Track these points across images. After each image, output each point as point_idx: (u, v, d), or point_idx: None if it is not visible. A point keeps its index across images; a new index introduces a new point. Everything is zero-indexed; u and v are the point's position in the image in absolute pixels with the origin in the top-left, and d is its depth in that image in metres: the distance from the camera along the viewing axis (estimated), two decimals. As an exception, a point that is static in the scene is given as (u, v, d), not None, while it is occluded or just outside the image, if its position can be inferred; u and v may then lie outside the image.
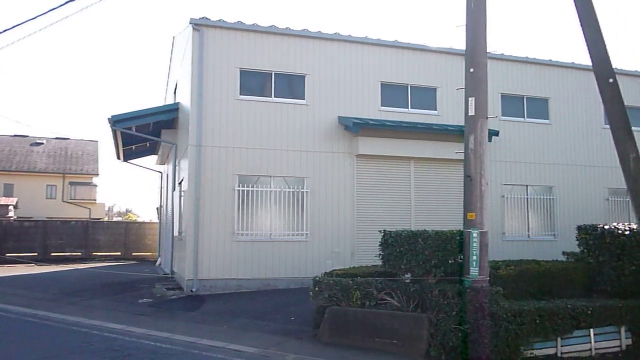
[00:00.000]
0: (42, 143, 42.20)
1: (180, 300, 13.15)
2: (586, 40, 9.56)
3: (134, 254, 27.63)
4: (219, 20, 14.52)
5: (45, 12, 10.24)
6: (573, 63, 17.94)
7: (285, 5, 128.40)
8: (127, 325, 10.05)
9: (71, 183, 39.91)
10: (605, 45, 9.44)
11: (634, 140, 9.29)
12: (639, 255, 9.19)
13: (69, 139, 44.13)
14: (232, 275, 13.88)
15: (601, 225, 9.72)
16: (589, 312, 8.01)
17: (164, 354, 7.99)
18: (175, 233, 17.28)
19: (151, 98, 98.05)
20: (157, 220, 27.43)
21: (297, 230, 14.67)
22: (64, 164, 40.62)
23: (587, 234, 9.83)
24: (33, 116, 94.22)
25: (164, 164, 23.70)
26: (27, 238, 25.82)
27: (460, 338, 7.70)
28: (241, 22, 14.70)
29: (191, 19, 14.24)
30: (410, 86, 16.20)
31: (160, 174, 25.16)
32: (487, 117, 8.41)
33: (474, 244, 7.94)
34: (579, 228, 10.05)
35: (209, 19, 14.39)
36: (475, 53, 8.48)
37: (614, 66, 9.44)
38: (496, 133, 15.67)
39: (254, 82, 14.87)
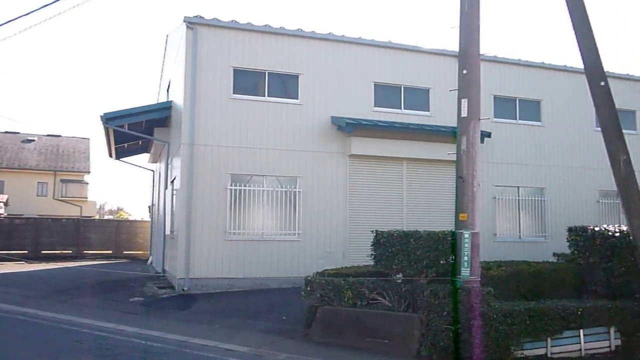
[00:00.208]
0: (34, 140, 41.95)
1: (172, 299, 13.12)
2: (578, 43, 9.62)
3: (125, 252, 27.51)
4: (213, 19, 14.50)
5: (39, 8, 10.20)
6: (565, 66, 18.05)
7: (280, 5, 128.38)
8: (118, 323, 10.02)
9: (62, 181, 39.70)
10: (597, 49, 9.50)
11: (624, 143, 9.36)
12: (628, 256, 9.26)
13: (60, 136, 43.91)
14: (224, 274, 13.87)
15: (592, 227, 9.80)
16: (579, 312, 8.06)
17: (156, 353, 7.98)
18: (167, 232, 17.23)
19: (144, 96, 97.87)
20: (149, 219, 27.33)
21: (290, 229, 14.68)
22: (55, 162, 40.40)
23: (578, 235, 9.90)
24: (25, 113, 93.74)
25: (156, 163, 23.63)
26: (18, 236, 25.67)
27: (451, 338, 7.73)
28: (235, 21, 14.69)
29: (185, 17, 14.21)
30: (404, 87, 16.24)
31: (152, 172, 25.08)
32: (480, 119, 8.45)
33: (466, 245, 7.98)
34: (570, 229, 10.12)
35: (203, 18, 14.37)
36: (468, 55, 8.52)
37: (609, 68, 9.53)
38: (488, 134, 15.75)
39: (247, 81, 14.86)
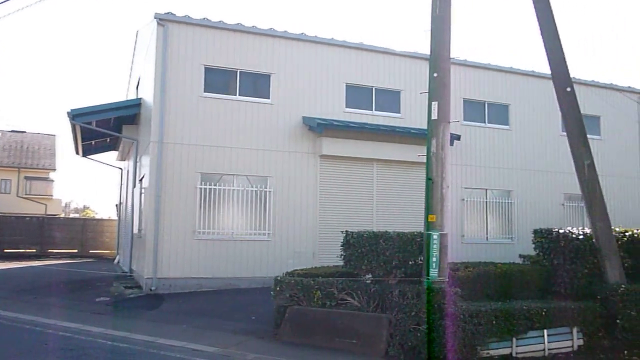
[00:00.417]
0: (-3, 136, 40.90)
1: (139, 299, 12.95)
2: (546, 50, 9.84)
3: (91, 251, 27.08)
4: (185, 16, 14.36)
5: (3, 2, 9.95)
6: (533, 71, 18.41)
7: (254, 4, 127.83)
8: (83, 324, 9.83)
9: (27, 178, 38.78)
10: (563, 55, 9.73)
11: (588, 148, 9.61)
12: (591, 258, 9.50)
13: (25, 132, 42.85)
14: (192, 274, 13.74)
15: (556, 230, 10.00)
16: (543, 313, 8.22)
17: (122, 354, 7.87)
18: (135, 230, 17.01)
19: (113, 92, 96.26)
20: (117, 218, 26.94)
21: (260, 229, 14.63)
22: (19, 158, 39.45)
23: (543, 237, 10.10)
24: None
25: (124, 160, 23.29)
26: (-21, 233, 25.03)
27: (419, 338, 7.82)
28: (207, 19, 14.58)
29: (156, 13, 14.04)
30: (375, 88, 16.34)
31: (120, 170, 24.72)
32: (450, 122, 8.55)
33: (434, 246, 8.06)
34: (535, 232, 10.31)
35: (174, 15, 14.22)
36: (439, 58, 8.62)
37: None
38: (458, 137, 15.95)
39: (218, 80, 14.76)
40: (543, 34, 9.81)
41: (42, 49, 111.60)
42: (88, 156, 23.12)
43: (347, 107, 15.88)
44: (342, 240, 9.19)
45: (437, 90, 8.55)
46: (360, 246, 8.82)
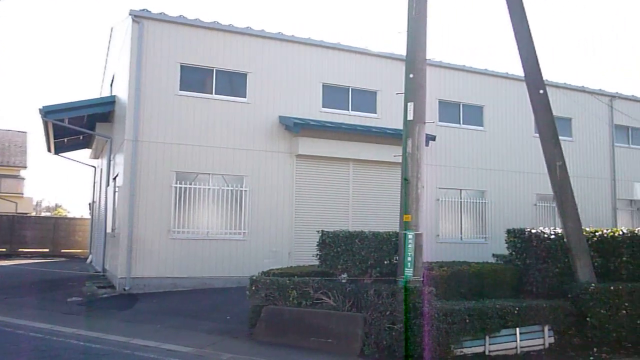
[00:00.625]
0: (-35, 132, 39.94)
1: (112, 298, 12.78)
2: (519, 51, 10.00)
3: (63, 250, 26.62)
4: (160, 13, 14.23)
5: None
6: (507, 73, 18.66)
7: (230, 3, 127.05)
8: (55, 324, 9.68)
9: (-4, 175, 37.94)
10: (537, 58, 9.90)
11: (560, 149, 9.79)
12: (562, 258, 9.69)
13: (-6, 128, 41.96)
14: (167, 273, 13.62)
15: (529, 229, 10.18)
16: (516, 312, 8.35)
17: (95, 354, 7.76)
18: (109, 230, 16.79)
19: (87, 89, 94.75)
20: (89, 216, 26.54)
21: (235, 229, 14.57)
22: (-12, 155, 38.58)
23: (516, 237, 10.27)
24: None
25: (98, 159, 22.95)
26: (-54, 232, 24.45)
27: (394, 337, 7.88)
28: (183, 17, 14.46)
29: (131, 10, 13.88)
30: (352, 89, 16.40)
31: (93, 168, 24.36)
32: (425, 122, 8.64)
33: (409, 245, 8.14)
34: (508, 232, 10.48)
35: (150, 11, 14.08)
36: (415, 59, 8.70)
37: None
38: (433, 138, 16.09)
39: (194, 78, 14.66)
40: (517, 38, 9.97)
41: (13, 43, 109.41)
42: (60, 154, 22.72)
43: (323, 107, 15.91)
44: (318, 240, 9.20)
45: (413, 91, 8.63)
46: (336, 246, 8.85)
